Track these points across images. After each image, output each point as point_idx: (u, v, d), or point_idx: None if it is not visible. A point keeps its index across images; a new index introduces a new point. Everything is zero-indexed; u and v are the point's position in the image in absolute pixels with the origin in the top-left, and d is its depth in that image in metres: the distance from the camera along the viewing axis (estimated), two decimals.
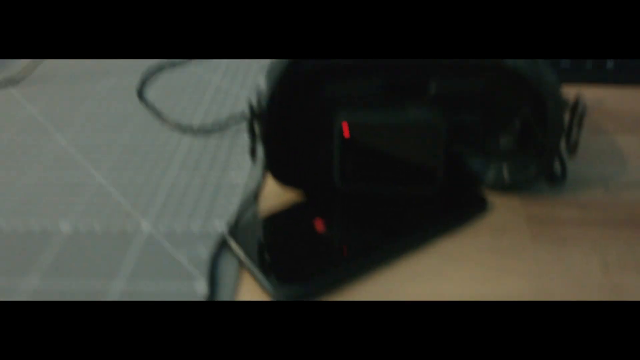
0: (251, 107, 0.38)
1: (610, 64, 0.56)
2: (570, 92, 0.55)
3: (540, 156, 0.40)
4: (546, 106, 0.37)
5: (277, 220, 0.39)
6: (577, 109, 0.37)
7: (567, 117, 0.38)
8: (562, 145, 0.46)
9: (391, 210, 0.40)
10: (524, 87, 0.40)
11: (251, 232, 0.38)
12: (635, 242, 0.38)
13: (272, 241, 0.37)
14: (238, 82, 0.60)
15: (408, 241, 0.38)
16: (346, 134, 0.39)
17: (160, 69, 0.63)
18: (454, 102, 0.41)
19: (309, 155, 0.42)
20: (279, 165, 0.41)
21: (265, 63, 0.64)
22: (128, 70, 0.64)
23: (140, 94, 0.58)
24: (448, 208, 0.40)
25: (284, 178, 0.41)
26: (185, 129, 0.52)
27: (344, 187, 0.41)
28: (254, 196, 0.42)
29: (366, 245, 0.37)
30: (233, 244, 0.37)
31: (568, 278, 0.36)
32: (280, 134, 0.40)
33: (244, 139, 0.50)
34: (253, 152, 0.40)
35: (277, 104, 0.39)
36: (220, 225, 0.41)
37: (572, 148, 0.38)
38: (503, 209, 0.41)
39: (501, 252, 0.38)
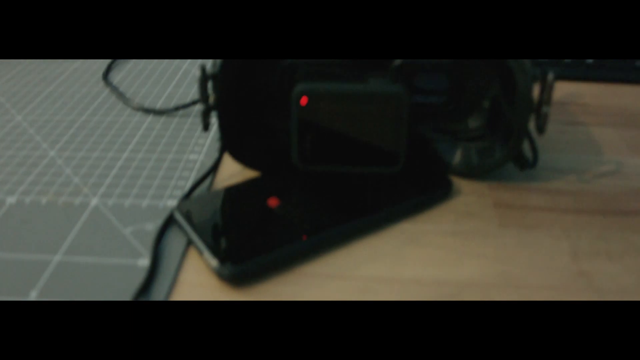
0: (203, 69, 0.35)
1: (589, 60, 0.55)
2: None
3: (507, 138, 0.38)
4: (515, 80, 0.36)
5: (230, 196, 0.37)
6: (545, 83, 0.36)
7: (536, 94, 0.36)
8: (532, 128, 0.44)
9: (352, 190, 0.38)
10: (493, 66, 0.38)
11: (201, 208, 0.36)
12: (606, 230, 0.36)
13: (222, 217, 0.35)
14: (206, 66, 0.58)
15: (367, 221, 0.35)
16: (304, 106, 0.37)
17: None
18: (420, 81, 0.40)
19: (266, 131, 0.40)
20: (233, 138, 0.38)
21: None
22: None
23: (105, 77, 0.56)
24: (411, 189, 0.38)
25: (239, 154, 0.39)
26: (147, 111, 0.49)
27: (303, 166, 0.39)
28: (208, 172, 0.39)
29: (322, 224, 0.34)
30: (180, 219, 0.35)
31: (534, 263, 0.33)
32: (235, 103, 0.38)
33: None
34: (205, 121, 0.37)
35: (232, 68, 0.37)
36: (171, 203, 0.38)
37: (542, 124, 0.36)
38: (470, 194, 0.39)
39: (464, 236, 0.36)
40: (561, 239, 0.35)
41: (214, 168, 0.40)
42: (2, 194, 0.40)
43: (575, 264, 0.33)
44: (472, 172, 0.40)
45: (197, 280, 0.32)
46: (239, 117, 0.39)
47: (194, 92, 0.53)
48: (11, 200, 0.39)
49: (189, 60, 0.60)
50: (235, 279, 0.31)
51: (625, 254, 0.34)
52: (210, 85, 0.36)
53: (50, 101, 0.52)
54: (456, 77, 0.39)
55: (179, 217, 0.35)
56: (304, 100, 0.37)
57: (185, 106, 0.49)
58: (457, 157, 0.40)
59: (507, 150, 0.38)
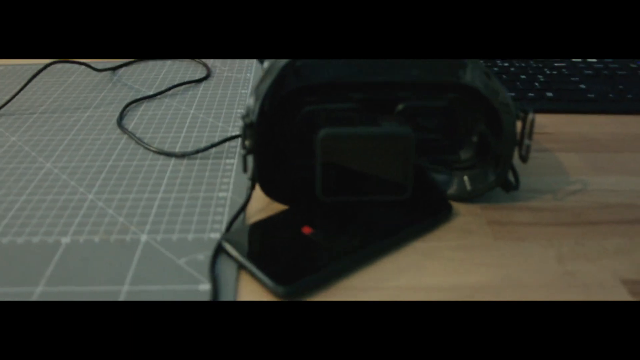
0: (243, 120, 0.42)
1: (549, 94, 0.64)
2: None
3: (496, 166, 0.45)
4: (501, 119, 0.43)
5: (267, 227, 0.43)
6: (526, 120, 0.43)
7: (518, 129, 0.44)
8: (515, 156, 0.52)
9: (369, 216, 0.44)
10: (480, 104, 0.46)
11: (246, 238, 0.42)
12: (583, 238, 0.44)
13: (267, 245, 0.41)
14: (211, 113, 0.64)
15: (388, 242, 0.42)
16: (326, 148, 0.43)
17: (136, 102, 0.66)
18: (419, 120, 0.47)
19: (290, 169, 0.47)
20: (267, 179, 0.44)
21: (235, 98, 0.68)
22: (102, 104, 0.67)
23: (120, 124, 0.61)
24: (419, 214, 0.45)
25: (270, 190, 0.45)
26: (169, 155, 0.55)
27: (326, 199, 0.45)
28: (242, 207, 0.45)
29: (352, 246, 0.41)
30: (229, 248, 0.41)
31: (528, 267, 0.41)
32: (267, 149, 0.44)
33: (225, 162, 0.54)
34: (244, 163, 0.43)
35: (264, 120, 0.43)
36: (213, 234, 0.44)
37: (525, 155, 0.44)
38: (466, 214, 0.46)
39: (468, 249, 0.43)
40: (547, 247, 0.43)
41: (246, 204, 0.46)
42: (56, 235, 0.44)
43: (561, 266, 0.41)
44: (466, 196, 0.47)
45: (255, 299, 0.38)
46: (269, 158, 0.45)
47: (207, 136, 0.59)
48: (66, 240, 0.44)
49: (194, 106, 0.65)
50: (289, 296, 0.37)
51: (600, 256, 0.42)
52: (246, 132, 0.42)
53: (74, 148, 0.57)
54: (449, 116, 0.47)
55: (227, 246, 0.41)
56: (326, 142, 0.43)
57: (205, 149, 0.55)
58: (453, 184, 0.47)
59: (496, 177, 0.45)
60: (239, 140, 0.43)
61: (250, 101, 0.43)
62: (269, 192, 0.45)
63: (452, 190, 0.47)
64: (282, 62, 0.44)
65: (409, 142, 0.43)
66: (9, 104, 0.67)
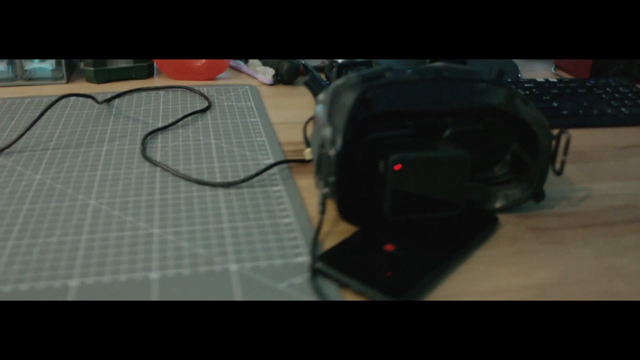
0: (333, 151, 0.45)
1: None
2: None
3: (532, 180, 0.52)
4: (538, 139, 0.50)
5: (351, 247, 0.47)
6: (560, 139, 0.51)
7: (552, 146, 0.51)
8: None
9: (435, 232, 0.49)
10: (515, 126, 0.52)
11: (338, 258, 0.45)
12: (607, 237, 0.52)
13: (361, 263, 0.45)
14: (233, 142, 0.66)
15: (460, 254, 0.47)
16: (397, 171, 0.48)
17: (151, 134, 0.67)
18: (462, 143, 0.53)
19: (358, 193, 0.51)
20: (345, 204, 0.48)
21: (248, 126, 0.70)
22: (115, 137, 0.66)
23: (146, 156, 0.61)
24: (473, 226, 0.51)
25: (346, 215, 0.49)
26: (213, 184, 0.57)
27: (392, 218, 0.50)
28: (317, 232, 0.49)
29: (434, 260, 0.46)
30: (329, 269, 0.44)
31: (576, 265, 0.48)
32: (344, 176, 0.48)
33: (272, 189, 0.57)
34: (334, 191, 0.46)
35: (345, 149, 0.47)
36: (298, 258, 0.47)
37: (560, 170, 0.51)
38: (506, 224, 0.53)
39: (522, 254, 0.49)
40: (583, 247, 0.50)
41: (320, 227, 0.49)
42: (141, 272, 0.45)
43: (602, 262, 0.48)
44: (505, 209, 0.54)
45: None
46: (344, 184, 0.49)
47: (241, 165, 0.61)
48: (154, 276, 0.45)
49: (212, 135, 0.67)
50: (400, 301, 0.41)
51: (626, 251, 0.50)
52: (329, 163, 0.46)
53: (110, 183, 0.57)
54: (486, 137, 0.53)
55: (325, 268, 0.44)
56: (397, 167, 0.48)
57: (251, 178, 0.57)
58: (492, 198, 0.54)
59: (532, 190, 0.52)
60: (318, 169, 0.46)
61: (327, 132, 0.47)
62: (345, 215, 0.49)
63: (492, 203, 0.54)
64: (351, 94, 0.48)
65: (466, 163, 0.49)
66: (18, 140, 0.65)
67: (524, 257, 0.49)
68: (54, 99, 0.76)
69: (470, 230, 0.50)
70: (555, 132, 0.50)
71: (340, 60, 0.59)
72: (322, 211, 0.49)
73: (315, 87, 0.52)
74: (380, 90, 0.49)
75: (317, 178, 0.49)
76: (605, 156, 0.66)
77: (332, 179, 0.46)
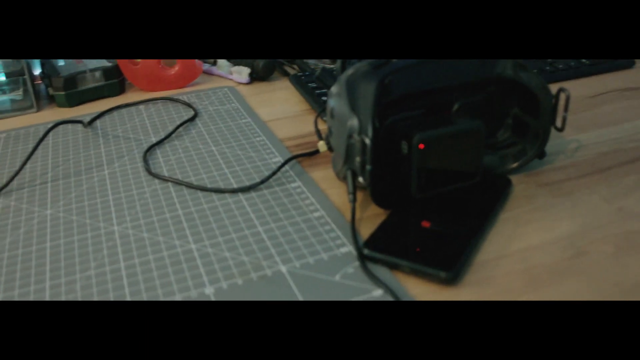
0: (367, 138, 0.47)
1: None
2: None
3: (536, 139, 0.56)
4: (539, 100, 0.54)
5: (390, 230, 0.49)
6: (559, 97, 0.54)
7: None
8: None
9: (462, 202, 0.52)
10: (514, 91, 0.56)
11: (382, 242, 0.47)
12: (608, 181, 0.56)
13: (405, 243, 0.47)
14: (234, 146, 0.66)
15: (490, 219, 0.50)
16: (421, 149, 0.50)
17: (148, 150, 0.66)
18: (468, 113, 0.56)
19: (386, 176, 0.53)
20: (377, 190, 0.50)
21: (242, 128, 0.71)
22: (112, 160, 0.65)
23: (153, 173, 0.61)
24: (492, 191, 0.54)
25: (379, 200, 0.51)
26: (232, 191, 0.57)
27: (419, 195, 0.52)
28: (353, 218, 0.50)
29: (470, 229, 0.49)
30: (377, 254, 0.46)
31: (592, 212, 0.52)
32: (374, 163, 0.50)
33: (290, 186, 0.58)
34: (371, 180, 0.48)
35: (376, 137, 0.49)
36: (342, 249, 0.49)
37: (562, 126, 0.55)
38: (518, 184, 0.57)
39: (542, 210, 0.53)
40: (591, 194, 0.55)
41: (354, 215, 0.51)
42: (196, 287, 0.46)
43: (612, 205, 0.53)
44: (513, 170, 0.57)
45: (426, 289, 0.44)
46: (377, 172, 0.51)
47: (252, 167, 0.62)
48: (209, 290, 0.46)
49: (209, 143, 0.67)
50: (453, 280, 0.44)
51: (630, 191, 0.55)
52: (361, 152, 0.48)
53: (128, 206, 0.57)
54: (487, 105, 0.56)
55: (373, 253, 0.46)
56: (421, 146, 0.50)
57: (267, 179, 0.58)
58: (501, 161, 0.57)
59: (536, 149, 0.56)
60: (346, 159, 0.48)
61: (354, 122, 0.48)
62: (378, 200, 0.51)
63: (502, 166, 0.57)
64: (370, 83, 0.49)
65: (481, 132, 0.52)
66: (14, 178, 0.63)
67: (544, 213, 0.52)
68: (41, 128, 0.74)
69: (491, 196, 0.53)
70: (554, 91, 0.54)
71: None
72: (354, 199, 0.51)
73: (326, 81, 0.53)
74: (396, 75, 0.51)
75: (344, 168, 0.51)
76: (581, 107, 0.71)
77: (368, 167, 0.48)
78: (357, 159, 0.49)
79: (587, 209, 0.53)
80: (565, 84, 0.78)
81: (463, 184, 0.54)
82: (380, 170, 0.53)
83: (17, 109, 0.78)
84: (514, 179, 0.57)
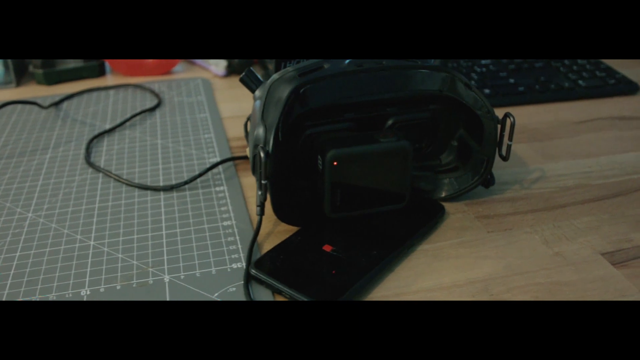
0: (263, 151, 0.43)
1: (486, 90, 0.71)
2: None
3: (479, 167, 0.51)
4: (482, 124, 0.49)
5: (289, 249, 0.45)
6: (505, 124, 0.49)
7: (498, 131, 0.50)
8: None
9: (377, 227, 0.48)
10: (460, 112, 0.51)
11: (273, 263, 0.44)
12: (557, 221, 0.50)
13: (296, 267, 0.43)
14: (180, 141, 0.64)
15: (402, 249, 0.46)
16: (335, 167, 0.46)
17: (97, 137, 0.65)
18: (406, 131, 0.51)
19: (295, 193, 0.49)
20: (281, 205, 0.47)
21: (196, 123, 0.69)
22: (60, 143, 0.65)
23: (89, 162, 0.60)
24: (419, 218, 0.49)
25: (283, 215, 0.47)
26: (155, 189, 0.55)
27: (334, 215, 0.48)
28: (256, 234, 0.47)
29: (373, 258, 0.44)
30: (263, 276, 0.43)
31: (523, 254, 0.47)
32: (279, 176, 0.47)
33: (216, 189, 0.55)
34: (265, 193, 0.45)
35: (278, 149, 0.45)
36: (234, 264, 0.46)
37: (507, 155, 0.50)
38: (455, 212, 0.52)
39: (468, 245, 0.48)
40: (532, 234, 0.49)
41: (258, 230, 0.48)
42: (74, 288, 0.44)
43: (549, 249, 0.47)
44: (453, 197, 0.52)
45: None
46: (279, 184, 0.47)
47: (186, 166, 0.59)
48: (86, 292, 0.44)
49: (159, 136, 0.65)
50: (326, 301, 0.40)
51: (577, 235, 0.48)
52: (261, 163, 0.44)
53: (51, 193, 0.55)
54: (431, 125, 0.52)
55: (259, 274, 0.43)
56: (335, 163, 0.46)
57: (193, 179, 0.55)
58: (439, 187, 0.52)
59: (479, 176, 0.51)
60: (253, 168, 0.45)
61: (260, 131, 0.45)
62: (282, 216, 0.47)
63: (439, 192, 0.52)
64: (285, 90, 0.46)
65: (408, 154, 0.47)
66: None
67: (469, 249, 0.47)
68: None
69: (415, 223, 0.48)
70: (503, 115, 0.49)
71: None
72: (261, 213, 0.48)
73: (251, 84, 0.50)
74: (315, 84, 0.47)
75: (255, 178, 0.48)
76: (561, 133, 0.64)
77: (264, 181, 0.44)
78: (259, 171, 0.45)
79: (520, 250, 0.47)
80: (555, 106, 0.71)
81: (387, 208, 0.49)
82: (293, 184, 0.49)
83: None
84: (452, 206, 0.52)
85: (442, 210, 0.50)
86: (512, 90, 0.71)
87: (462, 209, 0.52)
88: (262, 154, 0.43)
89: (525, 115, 0.69)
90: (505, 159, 0.50)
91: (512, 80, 0.73)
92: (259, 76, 0.51)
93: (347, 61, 0.49)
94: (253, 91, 0.51)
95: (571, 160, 0.59)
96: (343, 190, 0.47)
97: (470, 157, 0.52)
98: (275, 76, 0.48)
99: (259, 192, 0.46)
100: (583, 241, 0.48)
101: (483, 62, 0.78)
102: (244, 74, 0.50)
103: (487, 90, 0.71)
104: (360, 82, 0.48)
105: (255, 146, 0.46)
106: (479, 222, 0.50)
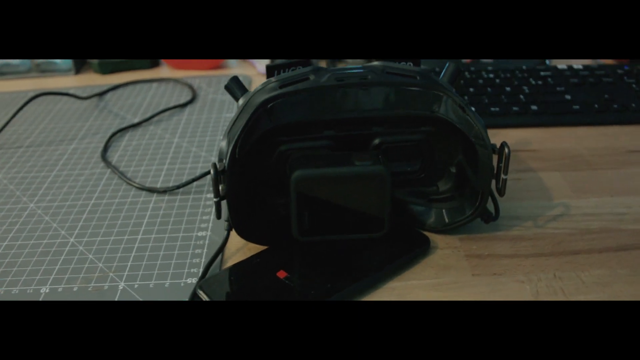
0: (215, 167, 0.41)
1: (534, 107, 0.63)
2: (499, 134, 0.62)
3: (474, 199, 0.45)
4: (477, 152, 0.43)
5: (242, 273, 0.43)
6: (503, 153, 0.43)
7: (495, 160, 0.44)
8: (493, 186, 0.51)
9: (346, 256, 0.44)
10: (457, 135, 0.45)
11: (220, 286, 0.42)
12: (561, 270, 0.43)
13: (241, 292, 0.41)
14: (195, 141, 0.64)
15: (362, 285, 0.42)
16: (300, 189, 0.43)
17: (121, 131, 0.66)
18: (395, 153, 0.46)
19: (265, 209, 0.46)
20: (242, 221, 0.44)
21: (219, 123, 0.68)
22: (87, 135, 0.67)
23: (104, 157, 0.61)
24: (397, 249, 0.44)
25: (247, 234, 0.45)
26: (149, 190, 0.55)
27: (302, 239, 0.45)
28: (218, 252, 0.45)
29: (325, 290, 0.41)
30: (205, 297, 0.41)
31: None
32: (242, 191, 0.44)
33: (207, 196, 0.54)
34: (218, 210, 0.43)
35: (238, 163, 0.43)
36: (190, 279, 0.44)
37: (502, 189, 0.43)
38: (445, 247, 0.46)
39: (444, 289, 0.42)
40: (524, 283, 0.42)
41: (223, 247, 0.46)
42: (37, 284, 0.45)
43: None
44: (445, 229, 0.47)
45: None
46: (243, 201, 0.45)
47: (189, 168, 0.59)
48: (45, 290, 0.44)
49: (178, 135, 0.65)
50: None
51: (577, 291, 0.41)
52: (219, 178, 0.42)
53: (58, 185, 0.57)
54: (426, 148, 0.46)
55: (202, 295, 0.41)
56: (300, 184, 0.43)
57: (186, 184, 0.55)
58: (432, 216, 0.47)
59: (474, 209, 0.45)
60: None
61: (223, 144, 0.43)
62: (245, 235, 0.45)
63: (430, 222, 0.47)
64: (255, 102, 0.43)
65: (384, 180, 0.43)
66: None
67: (443, 292, 0.42)
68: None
69: (389, 256, 0.44)
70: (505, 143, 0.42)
71: (279, 60, 0.54)
72: (229, 227, 0.46)
73: (236, 91, 0.48)
74: (287, 99, 0.44)
75: None
76: (607, 162, 0.56)
77: (215, 199, 0.42)
78: (221, 186, 0.43)
79: (502, 300, 0.41)
80: (614, 130, 0.61)
81: (363, 236, 0.45)
82: (264, 202, 0.46)
83: (57, 69, 0.84)
84: (444, 240, 0.47)
85: (426, 244, 0.45)
86: (564, 109, 0.63)
87: (453, 244, 0.46)
88: (212, 171, 0.41)
89: (572, 138, 0.60)
90: (501, 193, 0.44)
91: (568, 97, 0.64)
92: (244, 84, 0.49)
93: (328, 74, 0.45)
94: (237, 99, 0.48)
95: (607, 197, 0.51)
96: (312, 213, 0.44)
97: (467, 187, 0.46)
98: (258, 86, 0.46)
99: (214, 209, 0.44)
100: (581, 300, 0.41)
101: (542, 73, 0.70)
102: (228, 81, 0.48)
103: (534, 107, 0.63)
104: (339, 99, 0.44)
105: (220, 159, 0.44)
106: (467, 262, 0.45)
